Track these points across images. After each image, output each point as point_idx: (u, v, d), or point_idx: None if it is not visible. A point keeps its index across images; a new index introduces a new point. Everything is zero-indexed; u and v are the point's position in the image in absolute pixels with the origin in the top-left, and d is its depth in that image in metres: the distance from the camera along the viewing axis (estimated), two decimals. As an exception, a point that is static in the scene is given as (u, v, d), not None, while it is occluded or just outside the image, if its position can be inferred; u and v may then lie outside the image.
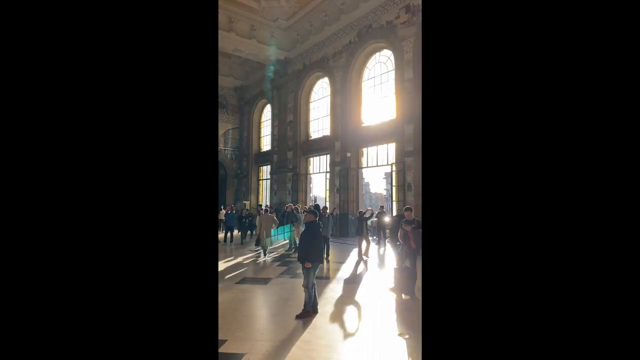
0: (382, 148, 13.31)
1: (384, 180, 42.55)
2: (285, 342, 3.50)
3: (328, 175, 15.23)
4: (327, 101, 15.79)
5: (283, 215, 10.95)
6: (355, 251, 9.04)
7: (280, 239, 9.18)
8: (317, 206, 7.68)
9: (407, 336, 3.66)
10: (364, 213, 8.98)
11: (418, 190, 11.07)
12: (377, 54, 13.69)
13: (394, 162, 12.23)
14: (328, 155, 15.34)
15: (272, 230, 8.71)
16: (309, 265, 4.27)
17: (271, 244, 9.25)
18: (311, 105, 17.21)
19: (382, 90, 13.45)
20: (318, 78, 16.60)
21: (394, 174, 12.30)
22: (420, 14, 11.30)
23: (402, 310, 4.63)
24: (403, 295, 5.15)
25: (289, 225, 9.23)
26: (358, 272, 7.06)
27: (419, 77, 11.26)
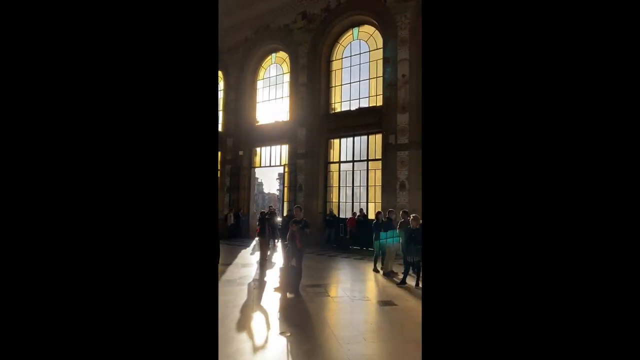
0: (275, 148, 13.40)
1: (277, 181, 42.94)
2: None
3: (218, 173, 14.58)
4: (220, 96, 15.12)
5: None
6: (243, 252, 8.83)
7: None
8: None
9: (288, 334, 3.73)
10: (266, 213, 8.69)
11: (309, 191, 11.51)
12: (273, 54, 13.76)
13: (287, 163, 12.46)
14: (219, 153, 14.69)
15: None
16: None
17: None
18: (202, 99, 16.22)
19: (277, 92, 13.57)
20: (211, 71, 15.76)
21: (286, 174, 12.53)
22: (315, 23, 11.81)
23: (286, 308, 4.71)
24: (288, 294, 5.26)
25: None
26: (258, 273, 6.92)
27: (312, 83, 11.74)
